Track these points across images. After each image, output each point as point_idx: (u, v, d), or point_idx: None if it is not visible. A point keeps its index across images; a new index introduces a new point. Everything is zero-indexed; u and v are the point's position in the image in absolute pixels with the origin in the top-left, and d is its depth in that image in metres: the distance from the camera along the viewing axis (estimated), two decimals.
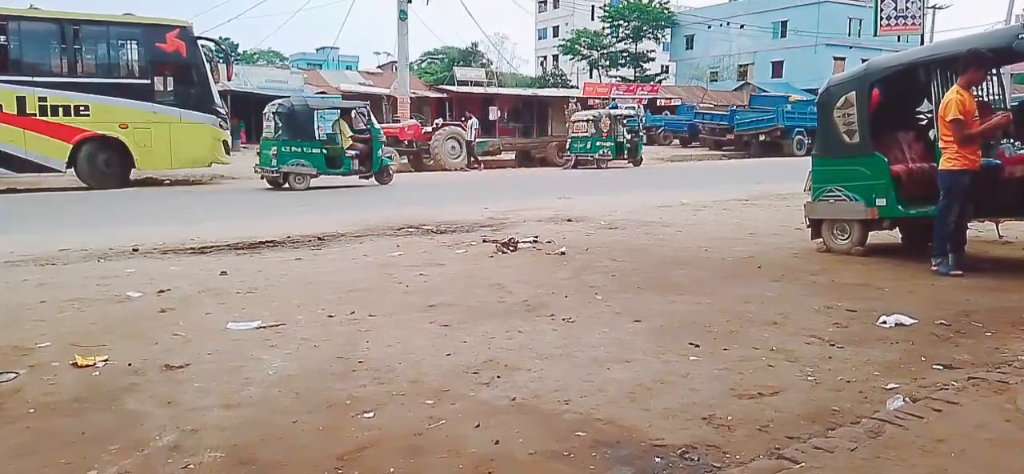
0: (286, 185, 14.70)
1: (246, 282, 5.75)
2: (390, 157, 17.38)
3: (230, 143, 16.62)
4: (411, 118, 25.37)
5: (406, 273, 6.12)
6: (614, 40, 57.86)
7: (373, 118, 16.38)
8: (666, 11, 58.37)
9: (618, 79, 53.64)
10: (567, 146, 23.79)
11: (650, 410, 3.06)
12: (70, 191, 14.39)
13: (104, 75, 14.79)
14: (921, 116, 7.44)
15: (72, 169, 14.64)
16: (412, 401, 3.17)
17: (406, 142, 21.92)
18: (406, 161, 21.97)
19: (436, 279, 5.90)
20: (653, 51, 59.37)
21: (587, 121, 23.12)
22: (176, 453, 2.66)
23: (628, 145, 23.72)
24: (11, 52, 14.14)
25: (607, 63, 58.03)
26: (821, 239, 7.03)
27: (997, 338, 4.08)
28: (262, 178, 15.26)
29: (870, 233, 6.78)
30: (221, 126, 15.84)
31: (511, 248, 7.27)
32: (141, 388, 3.35)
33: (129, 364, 3.67)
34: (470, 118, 24.38)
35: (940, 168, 5.80)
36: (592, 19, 62.35)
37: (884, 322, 4.36)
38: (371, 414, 3.03)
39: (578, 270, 6.24)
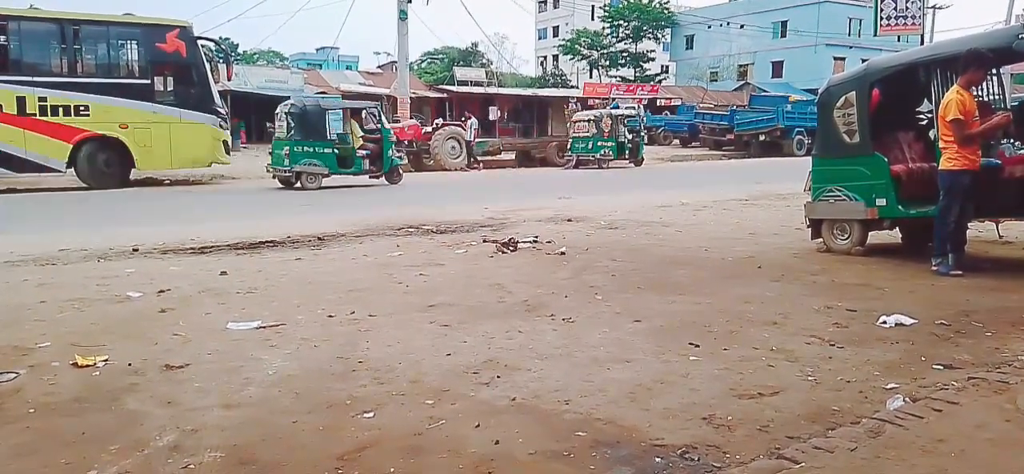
0: (298, 184, 14.80)
1: (246, 282, 5.75)
2: (401, 157, 17.56)
3: (230, 143, 16.63)
4: (411, 118, 25.38)
5: (406, 273, 6.12)
6: (614, 40, 57.86)
7: (384, 118, 16.49)
8: (666, 11, 58.37)
9: (618, 79, 53.64)
10: (569, 146, 23.80)
11: (650, 410, 3.06)
12: (70, 191, 14.39)
13: (104, 75, 14.79)
14: (921, 116, 7.44)
15: (72, 169, 14.64)
16: (412, 401, 3.17)
17: (406, 142, 21.94)
18: (406, 161, 22.00)
19: (436, 279, 5.90)
20: (653, 51, 59.36)
21: (589, 121, 23.13)
22: (176, 453, 2.66)
23: (629, 145, 23.74)
24: (11, 52, 14.14)
25: (607, 63, 58.03)
26: (821, 239, 7.03)
27: (997, 338, 4.08)
28: (274, 177, 15.38)
29: (870, 233, 6.78)
30: (221, 126, 15.84)
31: (511, 248, 7.27)
32: (141, 388, 3.35)
33: (129, 364, 3.67)
34: (469, 118, 24.40)
35: (940, 168, 5.80)
36: (592, 19, 62.36)
37: (884, 322, 4.36)
38: (371, 414, 3.03)
39: (578, 270, 6.24)
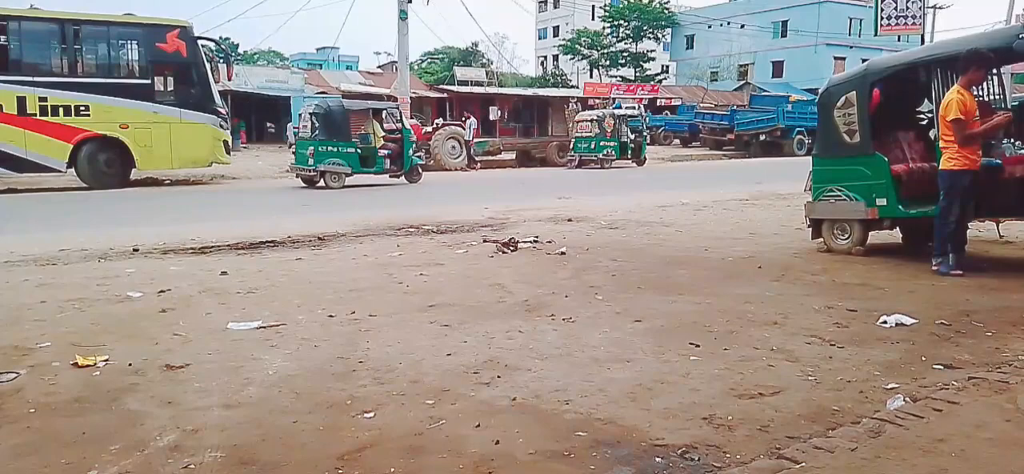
0: (321, 183, 15.09)
1: (246, 282, 5.75)
2: (420, 156, 17.85)
3: (230, 143, 16.62)
4: (411, 118, 25.39)
5: (406, 273, 6.12)
6: (614, 40, 57.84)
7: (405, 118, 16.77)
8: (666, 11, 58.36)
9: (618, 79, 53.65)
10: (571, 146, 23.83)
11: (650, 410, 3.06)
12: (70, 191, 14.39)
13: (104, 75, 14.78)
14: (921, 116, 7.44)
15: (72, 169, 14.64)
16: (412, 401, 3.17)
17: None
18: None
19: (436, 279, 5.90)
20: (653, 51, 59.33)
21: (591, 121, 23.17)
22: (176, 453, 2.66)
23: (632, 145, 23.76)
24: (11, 52, 14.12)
25: (607, 63, 58.02)
26: (821, 239, 7.03)
27: (997, 338, 4.08)
28: (297, 177, 15.70)
29: (870, 233, 6.78)
30: (221, 126, 15.83)
31: (511, 248, 7.27)
32: (141, 388, 3.35)
33: (129, 364, 3.67)
34: (469, 118, 24.42)
35: (940, 168, 5.80)
36: (592, 19, 62.35)
37: (884, 322, 4.36)
38: (371, 414, 3.03)
39: (578, 270, 6.24)
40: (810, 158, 7.37)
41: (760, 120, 32.06)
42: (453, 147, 22.24)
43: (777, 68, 54.38)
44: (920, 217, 6.31)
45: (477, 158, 23.08)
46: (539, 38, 77.41)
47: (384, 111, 17.30)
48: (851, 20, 52.61)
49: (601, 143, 22.55)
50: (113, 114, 14.66)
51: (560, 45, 64.81)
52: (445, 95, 35.17)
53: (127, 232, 8.38)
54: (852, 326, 4.35)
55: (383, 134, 16.56)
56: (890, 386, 3.31)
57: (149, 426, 2.91)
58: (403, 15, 22.87)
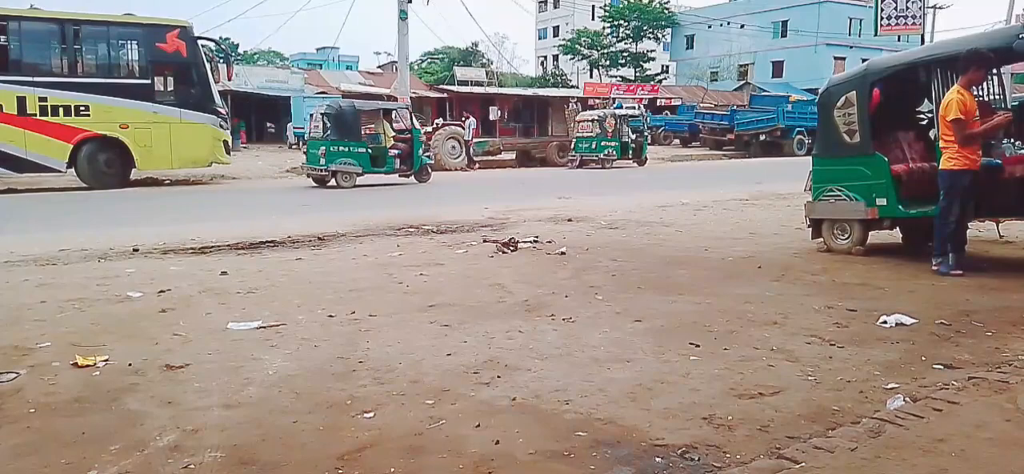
0: (333, 183, 15.23)
1: (246, 282, 5.75)
2: (429, 156, 18.04)
3: (230, 143, 16.63)
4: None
5: (406, 273, 6.12)
6: (614, 40, 57.85)
7: (415, 119, 17.12)
8: (666, 11, 58.36)
9: (618, 79, 53.65)
10: (572, 146, 23.86)
11: (650, 410, 3.06)
12: (70, 191, 14.39)
13: (104, 75, 14.78)
14: (921, 116, 7.44)
15: (72, 169, 14.64)
16: (412, 401, 3.17)
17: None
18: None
19: (436, 279, 5.90)
20: (653, 51, 59.35)
21: (592, 121, 23.20)
22: (176, 453, 2.66)
23: (633, 145, 23.78)
24: (11, 52, 14.13)
25: (607, 63, 58.02)
26: (821, 239, 7.03)
27: (997, 338, 4.08)
28: (308, 177, 15.92)
29: (870, 233, 6.78)
30: (221, 126, 15.84)
31: (511, 248, 7.27)
32: (141, 388, 3.35)
33: (129, 364, 3.67)
34: (468, 118, 24.42)
35: (940, 168, 5.80)
36: (592, 19, 62.35)
37: (884, 322, 4.36)
38: (371, 414, 3.03)
39: (578, 270, 6.24)
40: (810, 158, 7.37)
41: (760, 120, 32.05)
42: (453, 147, 22.28)
43: (777, 68, 54.38)
44: (920, 217, 6.31)
45: (475, 158, 23.11)
46: (539, 38, 77.42)
47: (394, 111, 17.52)
48: (851, 20, 52.61)
49: (602, 143, 22.58)
50: (113, 114, 14.66)
51: (560, 45, 64.82)
52: (445, 95, 35.17)
53: (127, 232, 8.38)
54: (852, 326, 4.35)
55: (393, 134, 16.76)
56: (890, 386, 3.31)
57: (149, 426, 2.91)
58: (403, 15, 22.87)
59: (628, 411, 3.04)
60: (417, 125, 17.06)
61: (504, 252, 7.13)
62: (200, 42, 15.72)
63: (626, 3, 57.11)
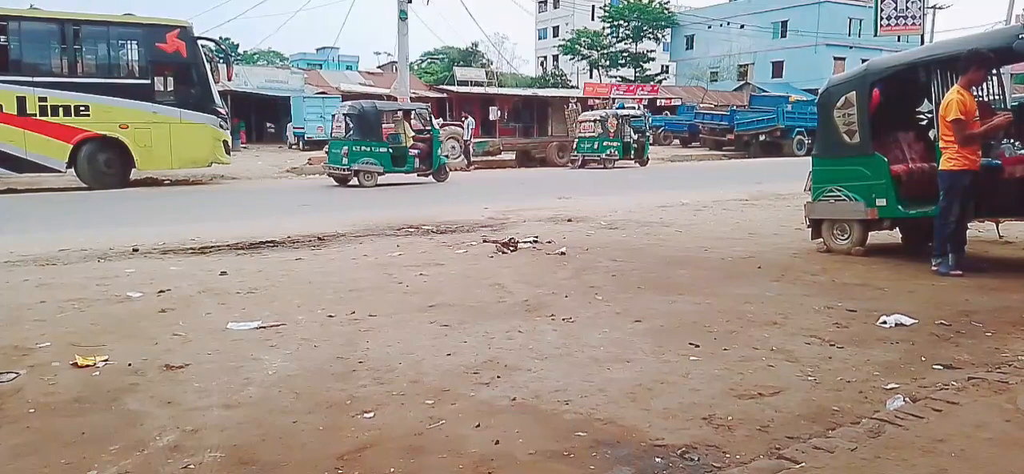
0: (355, 182, 15.48)
1: (246, 282, 5.75)
2: (447, 156, 18.39)
3: (230, 143, 16.62)
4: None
5: (406, 273, 6.12)
6: (614, 40, 57.86)
7: (433, 119, 17.47)
8: (666, 11, 58.38)
9: (618, 79, 53.66)
10: (574, 146, 23.89)
11: (650, 410, 3.06)
12: (70, 191, 14.39)
13: (104, 75, 14.77)
14: (921, 116, 7.44)
15: (72, 169, 14.63)
16: (412, 401, 3.17)
17: None
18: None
19: (436, 279, 5.90)
20: (653, 51, 59.38)
21: (594, 121, 23.24)
22: (176, 453, 2.66)
23: (635, 145, 23.81)
24: (11, 52, 14.11)
25: (607, 63, 58.04)
26: (821, 239, 7.03)
27: (997, 338, 4.08)
28: (329, 176, 16.24)
29: (870, 233, 6.78)
30: (221, 126, 15.83)
31: (511, 248, 7.27)
32: (141, 388, 3.35)
33: (129, 364, 3.67)
34: (467, 118, 24.46)
35: (940, 168, 5.80)
36: (592, 19, 62.36)
37: (884, 322, 4.36)
38: (371, 414, 3.03)
39: (578, 270, 6.24)
40: (810, 158, 7.37)
41: (760, 120, 32.03)
42: (453, 147, 22.35)
43: (777, 68, 54.39)
44: (920, 217, 6.31)
45: (473, 158, 23.16)
46: (539, 38, 77.44)
47: (413, 112, 17.83)
48: (851, 20, 52.63)
49: (604, 143, 22.62)
50: (113, 114, 14.65)
51: (560, 45, 64.84)
52: (445, 95, 35.20)
53: (127, 232, 8.38)
54: (852, 326, 4.35)
55: (412, 134, 17.03)
56: (890, 386, 3.31)
57: (149, 426, 2.91)
58: (403, 15, 22.87)
59: (628, 411, 3.04)
60: (436, 125, 17.44)
61: (504, 252, 7.13)
62: (200, 42, 15.70)
63: (626, 3, 57.13)
